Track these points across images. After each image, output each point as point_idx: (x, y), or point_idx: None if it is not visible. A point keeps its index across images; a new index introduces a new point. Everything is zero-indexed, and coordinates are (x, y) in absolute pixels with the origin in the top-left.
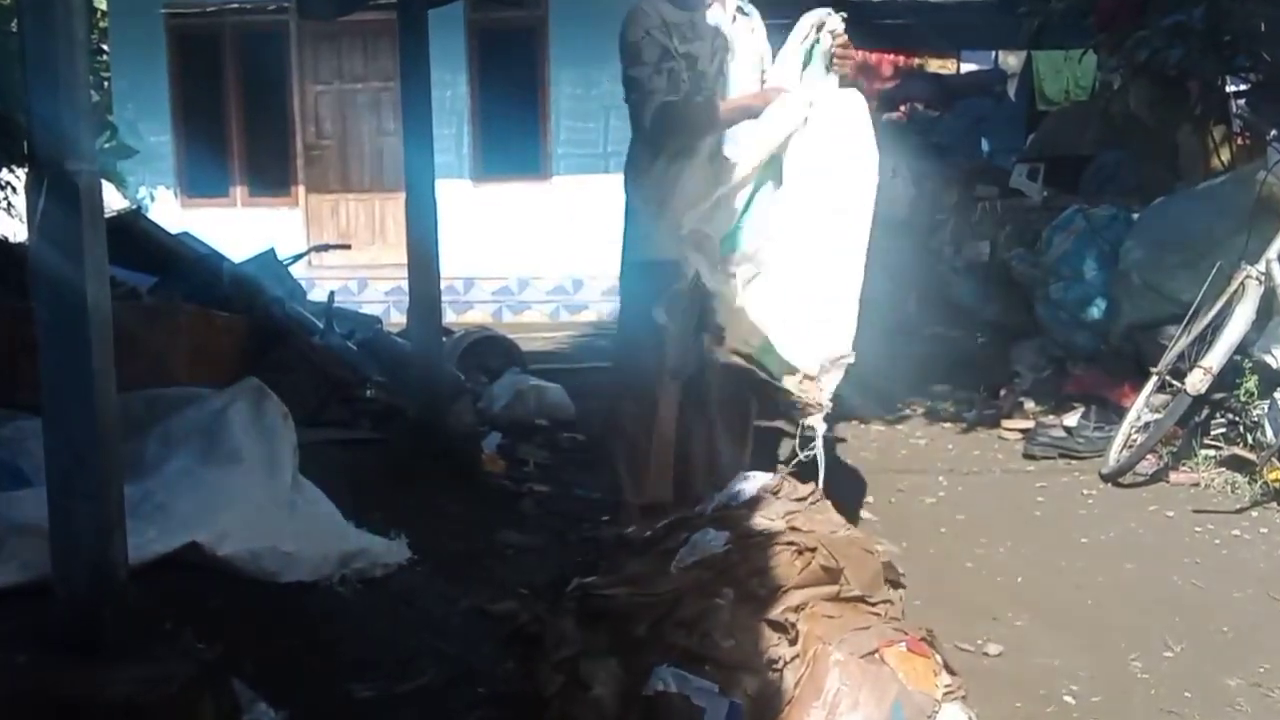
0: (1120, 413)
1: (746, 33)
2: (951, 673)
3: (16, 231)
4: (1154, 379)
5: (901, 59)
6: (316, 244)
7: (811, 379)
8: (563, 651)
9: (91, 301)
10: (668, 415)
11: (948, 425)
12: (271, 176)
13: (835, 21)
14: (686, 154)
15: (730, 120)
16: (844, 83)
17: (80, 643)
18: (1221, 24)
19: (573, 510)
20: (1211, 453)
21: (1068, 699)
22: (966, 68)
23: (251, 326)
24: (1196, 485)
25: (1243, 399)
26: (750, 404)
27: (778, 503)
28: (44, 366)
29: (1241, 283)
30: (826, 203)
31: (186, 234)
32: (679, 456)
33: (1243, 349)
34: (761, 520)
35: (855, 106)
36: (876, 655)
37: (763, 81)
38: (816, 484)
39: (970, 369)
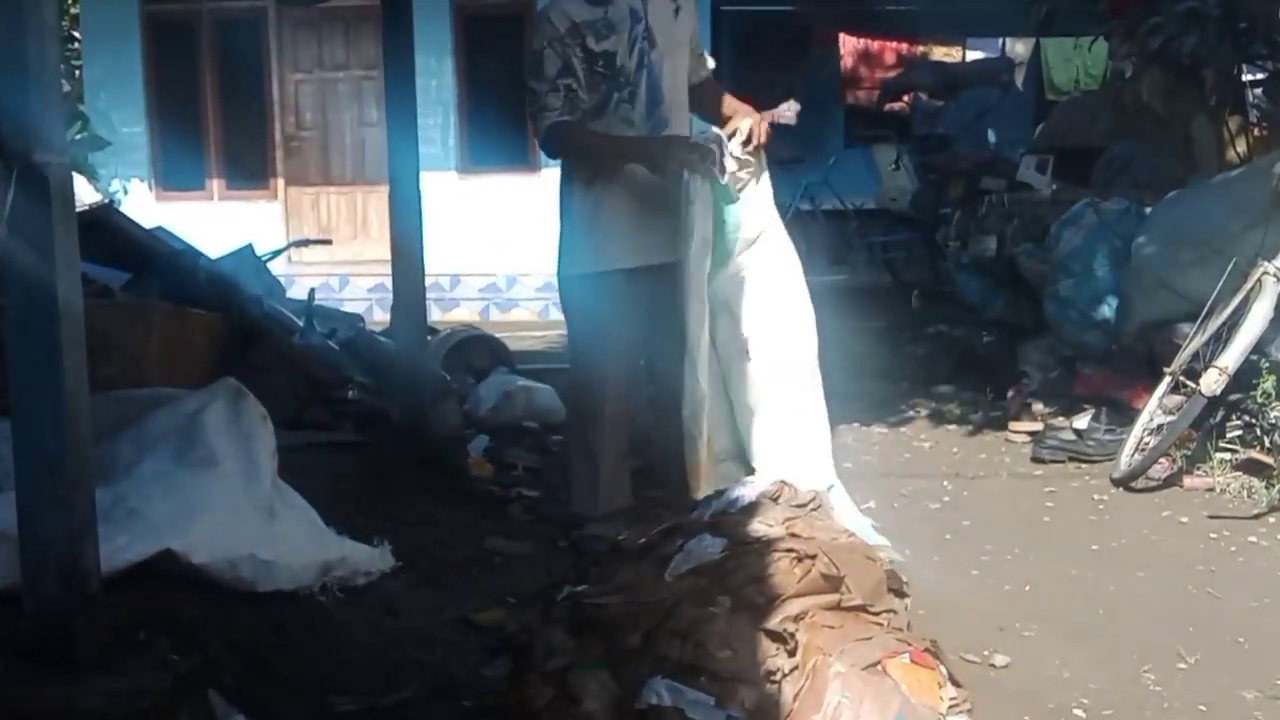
0: (1132, 415)
1: (669, 17)
2: (957, 685)
3: None
4: (1167, 379)
5: (905, 46)
6: (296, 239)
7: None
8: (552, 663)
9: (62, 299)
10: (616, 429)
11: (953, 428)
12: (249, 169)
13: (727, 138)
14: (606, 179)
15: (621, 157)
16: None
17: (51, 654)
18: (1238, 10)
19: (562, 516)
20: (1227, 456)
21: (1078, 712)
22: (972, 55)
23: (228, 325)
24: (1211, 490)
25: (1260, 400)
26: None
27: (777, 508)
28: (12, 367)
29: (1259, 279)
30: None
31: (161, 229)
32: (669, 461)
33: (1260, 348)
34: (760, 526)
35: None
36: (879, 667)
37: (701, 69)
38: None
39: (976, 369)
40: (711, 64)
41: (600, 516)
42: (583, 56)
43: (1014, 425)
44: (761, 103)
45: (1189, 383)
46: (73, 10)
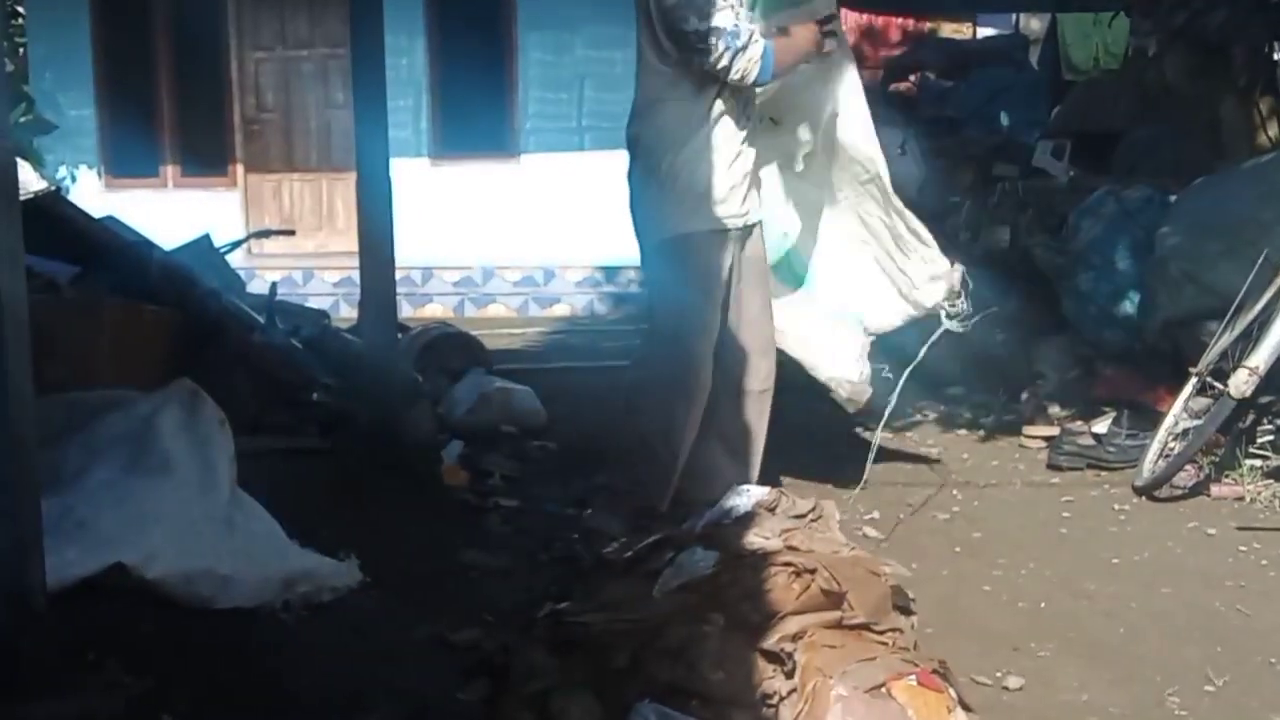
0: (1156, 418)
1: None
2: (967, 709)
3: None
4: (1193, 381)
5: (911, 23)
6: (257, 229)
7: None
8: (533, 685)
9: (5, 294)
10: (692, 421)
11: (963, 432)
12: (206, 154)
13: None
14: (732, 111)
15: (802, 55)
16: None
17: None
18: None
19: (543, 528)
20: (1258, 463)
21: None
22: (984, 32)
23: (184, 322)
24: (1241, 499)
25: None
26: (759, 422)
27: (774, 519)
28: None
29: None
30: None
31: (111, 218)
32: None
33: None
34: (755, 539)
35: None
36: (883, 689)
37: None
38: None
39: (988, 369)
40: None
41: (600, 511)
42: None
43: (1029, 430)
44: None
45: (1216, 384)
46: None
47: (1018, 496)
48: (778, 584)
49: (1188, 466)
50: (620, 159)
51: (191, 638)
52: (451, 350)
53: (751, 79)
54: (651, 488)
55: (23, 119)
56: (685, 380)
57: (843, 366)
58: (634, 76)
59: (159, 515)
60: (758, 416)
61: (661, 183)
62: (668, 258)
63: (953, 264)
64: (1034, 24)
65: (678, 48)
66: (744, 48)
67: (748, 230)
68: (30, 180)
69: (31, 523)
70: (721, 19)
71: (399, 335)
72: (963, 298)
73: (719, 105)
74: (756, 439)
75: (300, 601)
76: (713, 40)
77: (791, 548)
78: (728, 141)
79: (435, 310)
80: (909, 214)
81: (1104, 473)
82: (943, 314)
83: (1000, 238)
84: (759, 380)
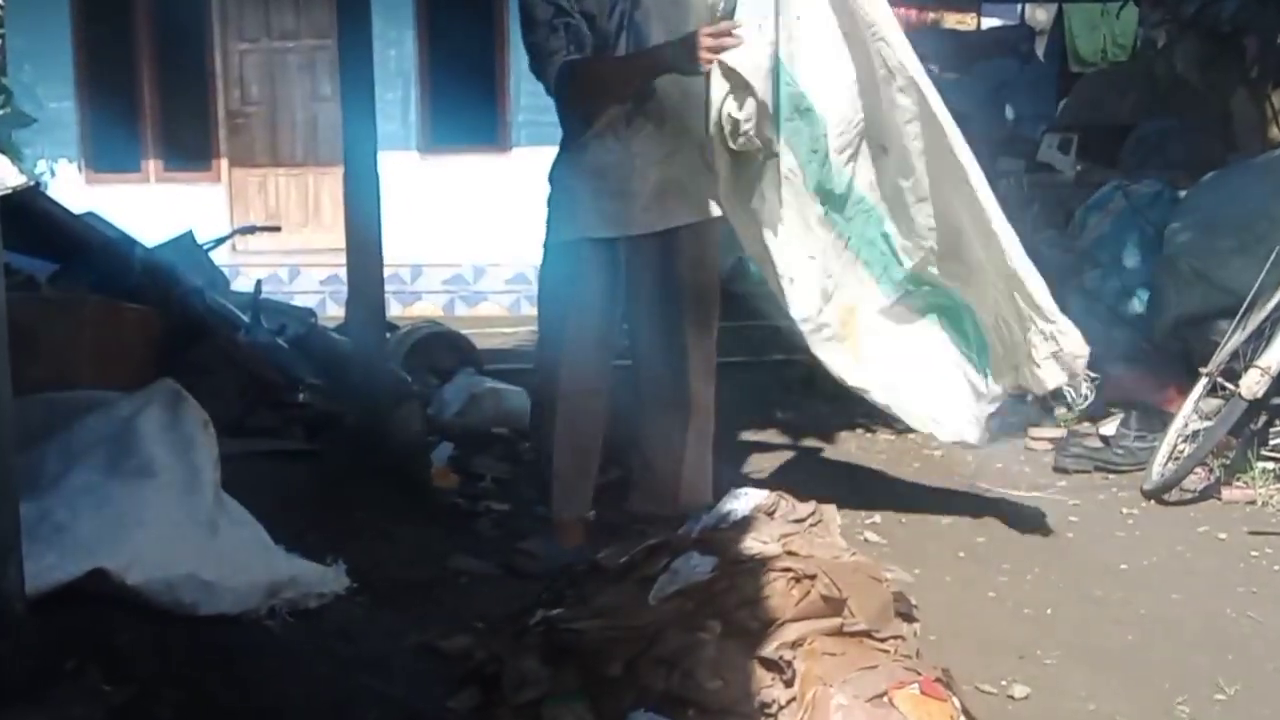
0: (1165, 420)
1: None
2: (971, 718)
3: None
4: (1204, 381)
5: (913, 13)
6: (242, 226)
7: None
8: (525, 694)
9: None
10: (583, 419)
11: None
12: (190, 148)
13: None
14: (625, 119)
15: (642, 73)
16: None
17: None
18: None
19: (536, 532)
20: (1270, 465)
21: None
22: (988, 23)
23: (166, 321)
24: (1253, 503)
25: None
26: (695, 445)
27: (772, 524)
28: None
29: None
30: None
31: (92, 214)
32: (650, 468)
33: None
34: (753, 543)
35: None
36: (885, 699)
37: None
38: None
39: None
40: None
41: (539, 530)
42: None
43: (1034, 432)
44: None
45: (1228, 384)
46: None
47: (1023, 499)
48: (776, 590)
49: (1198, 469)
50: None
51: (174, 645)
52: (441, 350)
53: (559, 99)
54: (544, 495)
55: (1, 112)
56: (546, 388)
57: (956, 425)
58: None
59: (140, 519)
60: (680, 435)
61: (548, 191)
62: (543, 264)
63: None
64: (1040, 15)
65: None
66: (541, 67)
67: (641, 241)
68: (8, 175)
69: (9, 527)
70: (537, 34)
71: (387, 334)
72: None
73: (603, 116)
74: (687, 460)
75: (286, 608)
76: (530, 57)
77: (791, 553)
78: (607, 151)
79: (425, 308)
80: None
81: (1112, 476)
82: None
83: None
84: (671, 393)
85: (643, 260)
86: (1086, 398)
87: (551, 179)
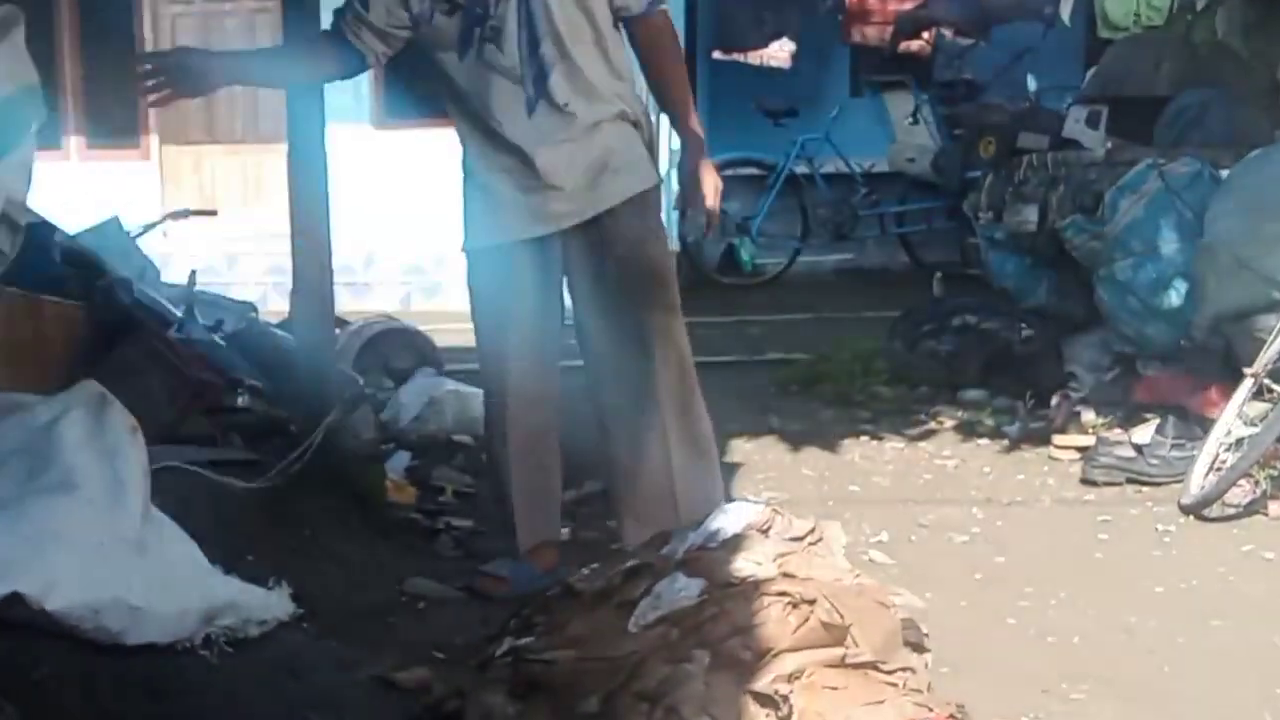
0: (1205, 426)
1: None
2: None
3: None
4: (1249, 383)
5: None
6: (174, 210)
7: None
8: None
9: None
10: (537, 435)
11: (983, 442)
12: (115, 122)
13: None
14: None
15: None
16: None
17: None
18: None
19: (502, 551)
20: None
21: None
22: None
23: (89, 316)
24: None
25: None
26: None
27: (767, 542)
28: None
29: None
30: None
31: None
32: (633, 485)
33: None
34: (746, 565)
35: None
36: None
37: None
38: None
39: (1012, 370)
40: None
41: (506, 549)
42: None
43: (1059, 439)
44: (748, 42)
45: (1275, 386)
46: None
47: (1047, 516)
48: (771, 616)
49: (1242, 481)
50: None
51: (99, 678)
52: (397, 348)
53: None
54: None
55: None
56: (493, 407)
57: None
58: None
59: (60, 538)
60: (660, 439)
61: (462, 185)
62: (469, 272)
63: None
64: None
65: None
66: None
67: (573, 231)
68: None
69: None
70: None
71: (337, 331)
72: None
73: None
74: (676, 467)
75: (223, 636)
76: None
77: (787, 575)
78: (476, 153)
79: (379, 302)
80: None
81: (1146, 488)
82: None
83: (1027, 219)
84: (641, 393)
85: (578, 250)
86: None
87: (465, 170)
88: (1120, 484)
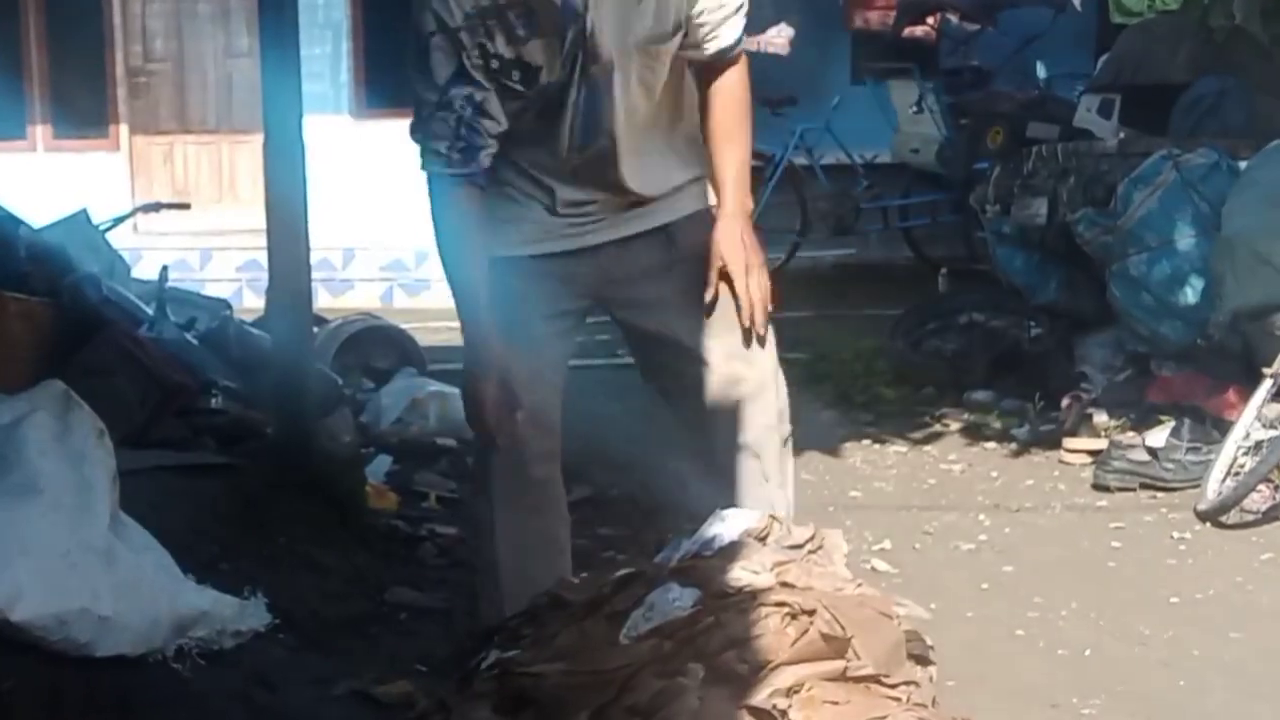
0: (1222, 428)
1: (632, 5)
2: None
3: None
4: (1268, 383)
5: None
6: (144, 203)
7: None
8: None
9: None
10: (548, 499)
11: (991, 445)
12: (84, 112)
13: None
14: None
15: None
16: None
17: None
18: None
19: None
20: None
21: None
22: None
23: (56, 313)
24: None
25: None
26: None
27: (764, 551)
28: None
29: None
30: None
31: None
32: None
33: None
34: (742, 573)
35: None
36: None
37: (705, 43)
38: None
39: (1021, 370)
40: (730, 36)
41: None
42: (482, 64)
43: (1070, 443)
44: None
45: None
46: None
47: (1057, 522)
48: (769, 628)
49: (1261, 487)
50: None
51: (67, 691)
52: (377, 347)
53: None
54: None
55: None
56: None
57: None
58: None
59: (25, 545)
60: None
61: None
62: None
63: None
64: None
65: None
66: (421, 144)
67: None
68: None
69: None
70: (422, 89)
71: (315, 329)
72: None
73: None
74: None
75: (196, 648)
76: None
77: (786, 584)
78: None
79: (359, 299)
80: None
81: (1160, 494)
82: None
83: (1036, 212)
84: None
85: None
86: None
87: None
88: (1134, 489)
